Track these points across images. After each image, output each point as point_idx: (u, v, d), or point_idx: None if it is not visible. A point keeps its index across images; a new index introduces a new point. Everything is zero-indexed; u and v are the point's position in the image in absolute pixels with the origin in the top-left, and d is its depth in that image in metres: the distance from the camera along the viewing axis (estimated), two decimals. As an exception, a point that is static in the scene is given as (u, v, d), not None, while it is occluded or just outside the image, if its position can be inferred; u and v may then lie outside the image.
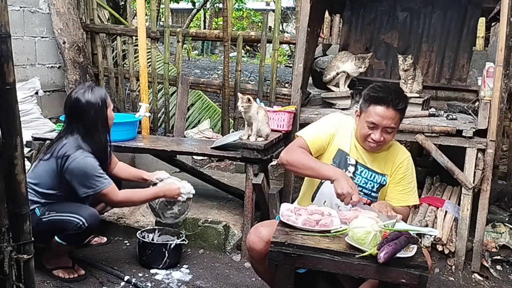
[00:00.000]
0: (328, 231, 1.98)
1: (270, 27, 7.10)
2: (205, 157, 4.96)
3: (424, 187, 3.73)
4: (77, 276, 2.73)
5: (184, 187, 2.81)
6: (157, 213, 2.87)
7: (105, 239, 3.23)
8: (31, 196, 2.49)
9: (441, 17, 4.07)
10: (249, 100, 2.95)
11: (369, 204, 2.33)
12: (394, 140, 2.44)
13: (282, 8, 8.11)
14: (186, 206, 2.87)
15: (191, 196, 2.85)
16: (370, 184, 2.37)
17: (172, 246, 2.89)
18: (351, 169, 2.36)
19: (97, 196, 2.60)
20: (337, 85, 3.71)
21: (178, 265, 2.97)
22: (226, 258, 3.13)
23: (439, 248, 3.19)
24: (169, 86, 5.37)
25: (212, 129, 5.53)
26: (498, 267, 3.23)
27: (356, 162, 2.37)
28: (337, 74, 3.66)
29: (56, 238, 2.60)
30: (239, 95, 3.03)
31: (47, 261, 2.72)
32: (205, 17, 19.91)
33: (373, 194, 2.37)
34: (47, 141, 3.40)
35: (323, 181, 2.38)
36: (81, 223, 2.51)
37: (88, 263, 2.89)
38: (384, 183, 2.38)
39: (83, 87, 2.65)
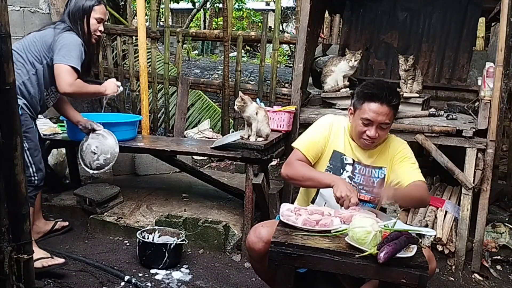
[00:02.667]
0: (328, 231, 1.98)
1: (270, 27, 7.10)
2: (205, 157, 4.97)
3: (424, 187, 3.73)
4: (58, 263, 2.70)
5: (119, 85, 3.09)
6: (85, 163, 3.12)
7: (67, 223, 3.32)
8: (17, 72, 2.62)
9: (441, 17, 4.07)
10: (243, 100, 2.95)
11: (371, 202, 2.33)
12: (389, 133, 2.45)
13: (282, 8, 8.12)
14: (112, 158, 3.10)
15: (117, 152, 3.11)
16: (370, 180, 2.37)
17: (172, 246, 2.89)
18: (349, 168, 2.36)
19: (55, 68, 2.69)
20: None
21: (178, 265, 2.97)
22: (226, 258, 3.13)
23: (439, 248, 3.19)
24: (169, 86, 5.37)
25: (212, 129, 5.53)
26: (498, 267, 3.23)
27: (353, 161, 2.37)
28: (337, 84, 3.67)
29: None
30: (240, 94, 3.03)
31: None
32: (205, 17, 19.90)
33: (375, 190, 2.36)
34: (47, 141, 3.43)
35: None
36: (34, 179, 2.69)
37: (88, 263, 2.89)
38: (383, 175, 2.38)
39: None
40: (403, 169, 2.33)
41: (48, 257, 2.72)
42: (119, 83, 3.10)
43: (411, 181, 2.27)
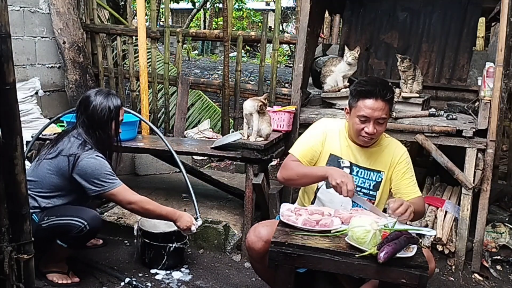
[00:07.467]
0: (328, 231, 1.98)
1: (270, 27, 7.11)
2: (205, 157, 4.96)
3: (424, 187, 3.73)
4: (70, 282, 2.69)
5: (197, 224, 2.72)
6: None
7: (101, 241, 3.20)
8: (30, 198, 2.46)
9: (441, 17, 4.07)
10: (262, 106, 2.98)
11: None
12: (390, 137, 2.47)
13: (282, 8, 8.12)
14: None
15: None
16: (368, 183, 2.38)
17: (171, 249, 2.88)
18: (347, 171, 2.35)
19: (107, 196, 2.54)
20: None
21: (178, 265, 2.97)
22: (226, 258, 3.13)
23: (439, 248, 3.19)
24: (169, 86, 5.37)
25: (212, 129, 5.54)
26: (498, 267, 3.23)
27: (351, 163, 2.37)
28: (337, 84, 3.67)
29: (57, 240, 2.57)
30: (261, 98, 3.04)
31: (43, 264, 2.68)
32: (205, 17, 19.91)
33: (371, 192, 2.38)
34: (47, 141, 3.41)
35: (319, 186, 2.39)
36: (83, 225, 2.48)
37: (88, 263, 2.89)
38: (379, 179, 2.38)
39: (100, 89, 2.70)
40: (405, 183, 2.37)
41: (64, 273, 2.71)
42: (196, 224, 2.67)
43: (411, 197, 2.31)
